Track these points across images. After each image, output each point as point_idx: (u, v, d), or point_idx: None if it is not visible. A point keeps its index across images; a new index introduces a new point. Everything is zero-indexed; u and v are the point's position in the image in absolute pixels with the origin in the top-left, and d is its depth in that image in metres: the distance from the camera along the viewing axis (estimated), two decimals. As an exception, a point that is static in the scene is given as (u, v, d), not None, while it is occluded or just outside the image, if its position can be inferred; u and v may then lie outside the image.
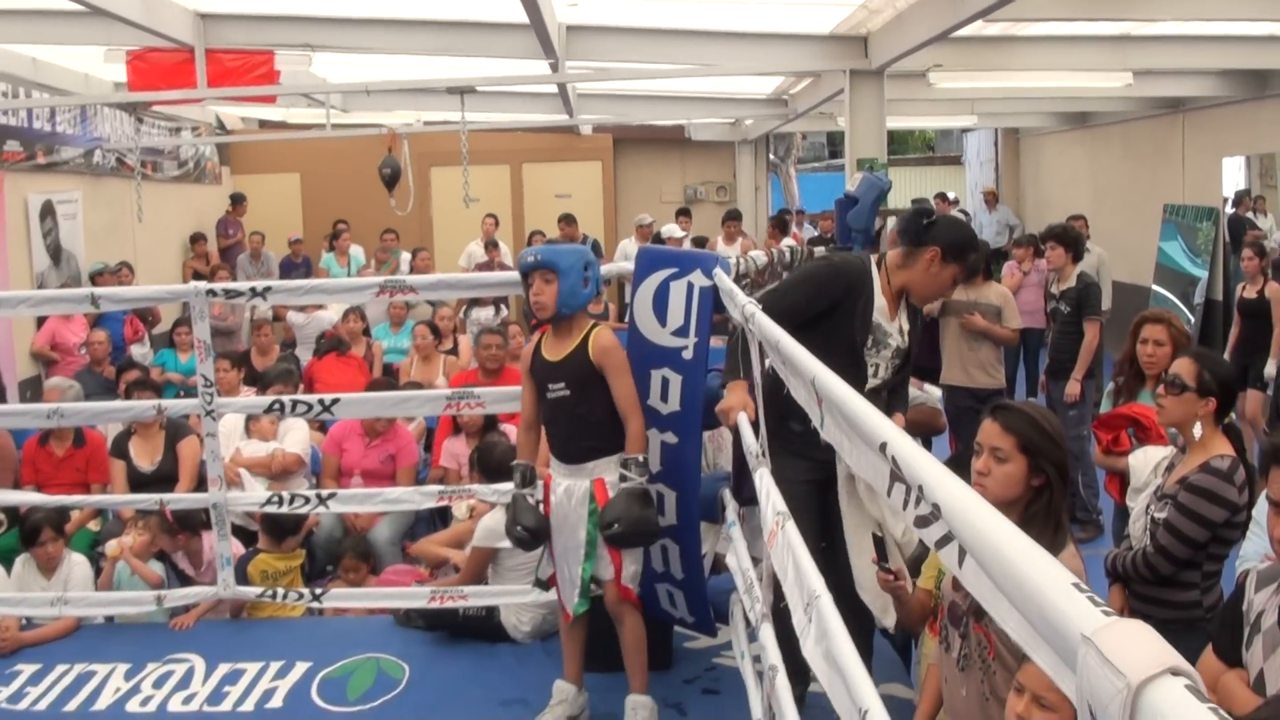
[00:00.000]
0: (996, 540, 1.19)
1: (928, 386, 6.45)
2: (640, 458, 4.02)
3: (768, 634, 3.18)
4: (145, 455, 6.78)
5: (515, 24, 8.51)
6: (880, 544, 3.43)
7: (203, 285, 5.04)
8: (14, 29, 9.06)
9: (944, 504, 1.35)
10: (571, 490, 4.10)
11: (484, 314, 11.27)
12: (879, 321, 4.04)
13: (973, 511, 1.29)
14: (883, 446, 1.63)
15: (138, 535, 5.68)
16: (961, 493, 1.34)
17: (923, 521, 1.48)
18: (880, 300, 4.05)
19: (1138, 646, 0.90)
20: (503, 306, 11.63)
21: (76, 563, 5.61)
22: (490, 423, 6.58)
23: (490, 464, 5.37)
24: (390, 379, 8.52)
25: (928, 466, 1.46)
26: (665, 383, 4.23)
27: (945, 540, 1.39)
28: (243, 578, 5.47)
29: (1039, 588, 1.07)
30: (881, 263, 4.11)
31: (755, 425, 3.35)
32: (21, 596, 5.39)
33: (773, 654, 3.07)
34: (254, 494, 5.51)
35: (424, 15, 9.24)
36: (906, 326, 4.14)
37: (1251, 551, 3.48)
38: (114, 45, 9.54)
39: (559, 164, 17.32)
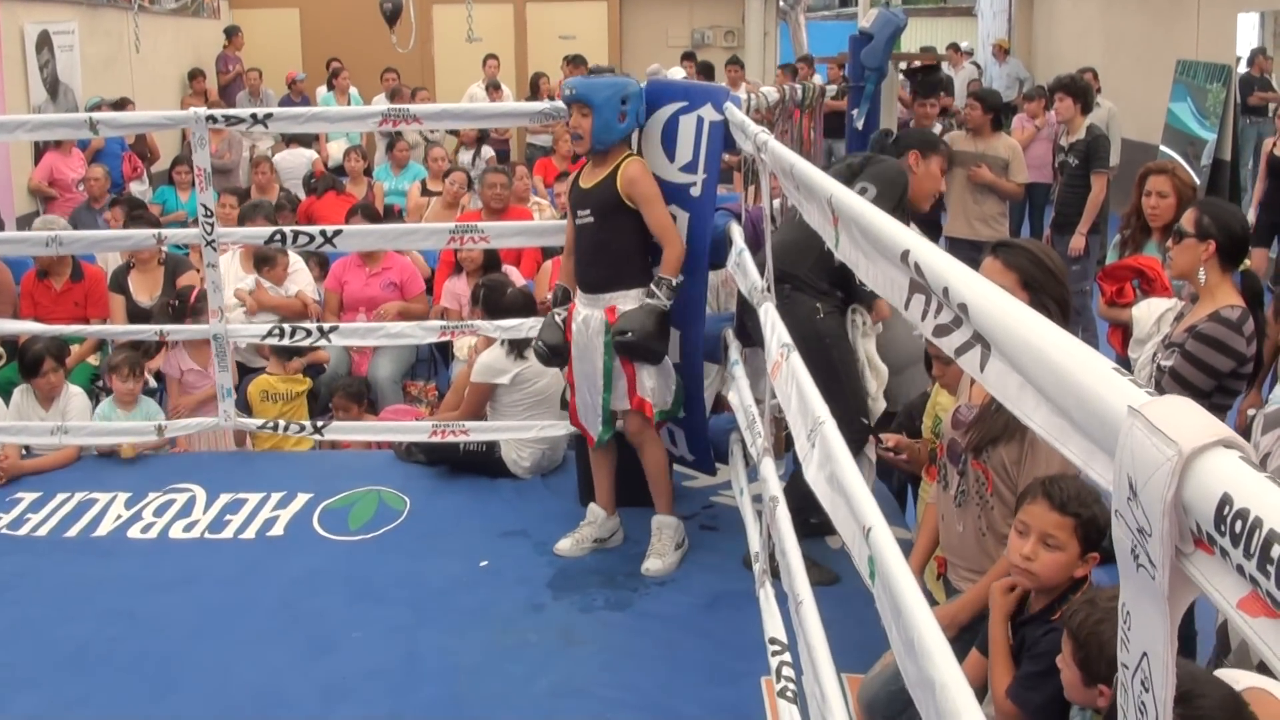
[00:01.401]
0: (1030, 331, 1.16)
1: None
2: (674, 281, 4.02)
3: (768, 468, 3.19)
4: (145, 289, 6.74)
5: None
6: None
7: (203, 111, 4.97)
8: None
9: (971, 302, 1.32)
10: (589, 319, 4.12)
11: (465, 157, 11.13)
12: None
13: (1003, 307, 1.26)
14: (905, 254, 1.59)
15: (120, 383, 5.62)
16: (990, 290, 1.31)
17: (943, 330, 1.45)
18: None
19: (1188, 418, 0.87)
20: (485, 148, 11.46)
21: (74, 394, 5.59)
22: (492, 262, 6.52)
23: (494, 302, 5.33)
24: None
25: (953, 268, 1.42)
26: (672, 219, 4.17)
27: (967, 346, 1.36)
28: (244, 398, 5.47)
29: (1079, 371, 1.04)
30: None
31: (760, 262, 3.32)
32: (21, 425, 5.38)
33: (773, 486, 3.09)
34: (255, 326, 5.47)
35: None
36: None
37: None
38: None
39: (563, 4, 16.92)
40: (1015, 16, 19.18)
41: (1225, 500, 0.81)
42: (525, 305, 5.17)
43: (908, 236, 1.64)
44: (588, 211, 4.13)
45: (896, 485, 4.80)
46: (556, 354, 4.24)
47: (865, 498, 1.84)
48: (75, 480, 5.20)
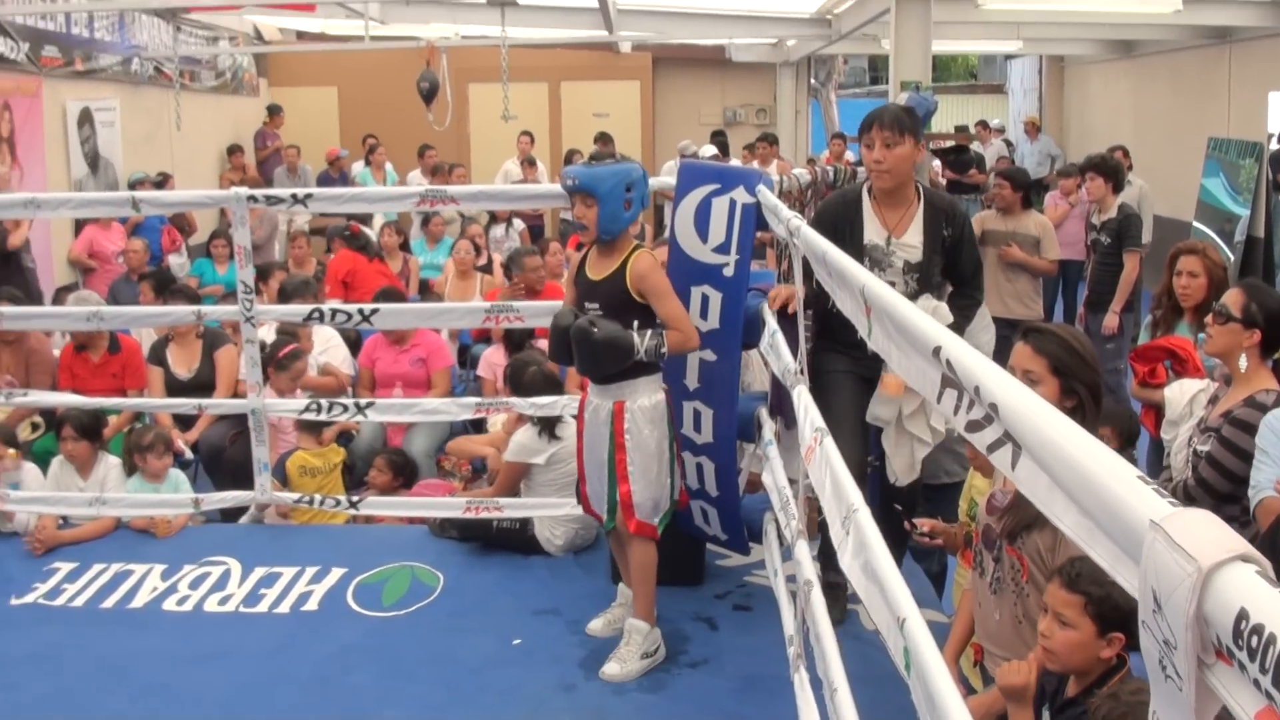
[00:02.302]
0: (1059, 435, 1.19)
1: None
2: (663, 347, 3.91)
3: (802, 551, 3.20)
4: (183, 362, 6.85)
5: (557, -63, 8.44)
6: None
7: (244, 191, 5.06)
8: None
9: (1002, 402, 1.35)
10: (599, 409, 4.08)
11: (498, 230, 11.28)
12: (874, 242, 4.12)
13: (1033, 408, 1.28)
14: (936, 350, 1.62)
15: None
16: (1020, 391, 1.34)
17: (975, 426, 1.48)
18: (872, 220, 4.15)
19: (1207, 532, 0.90)
20: (516, 221, 11.61)
21: (112, 465, 5.67)
22: (520, 339, 6.60)
23: (520, 381, 5.39)
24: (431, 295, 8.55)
25: (984, 367, 1.45)
26: (705, 300, 4.21)
27: (998, 444, 1.39)
28: (282, 475, 5.52)
29: (1104, 478, 1.07)
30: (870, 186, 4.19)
31: (793, 344, 3.35)
32: (60, 496, 5.47)
33: (807, 569, 3.09)
34: (292, 401, 5.54)
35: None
36: (920, 240, 4.13)
37: (1264, 480, 3.46)
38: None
39: (597, 82, 17.18)
40: (1046, 94, 19.33)
41: (1242, 615, 0.84)
42: (547, 383, 5.21)
43: (940, 332, 1.67)
44: (596, 305, 4.05)
45: (937, 567, 4.79)
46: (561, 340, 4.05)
47: (900, 587, 1.85)
48: (112, 551, 5.25)
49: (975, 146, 15.13)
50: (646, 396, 4.01)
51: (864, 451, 4.12)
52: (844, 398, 4.10)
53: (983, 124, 17.16)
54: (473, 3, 11.17)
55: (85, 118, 11.24)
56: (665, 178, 4.86)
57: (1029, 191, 7.86)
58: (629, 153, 14.31)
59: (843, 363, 4.12)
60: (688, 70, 17.70)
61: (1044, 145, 17.05)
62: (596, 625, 4.36)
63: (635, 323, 3.92)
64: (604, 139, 13.89)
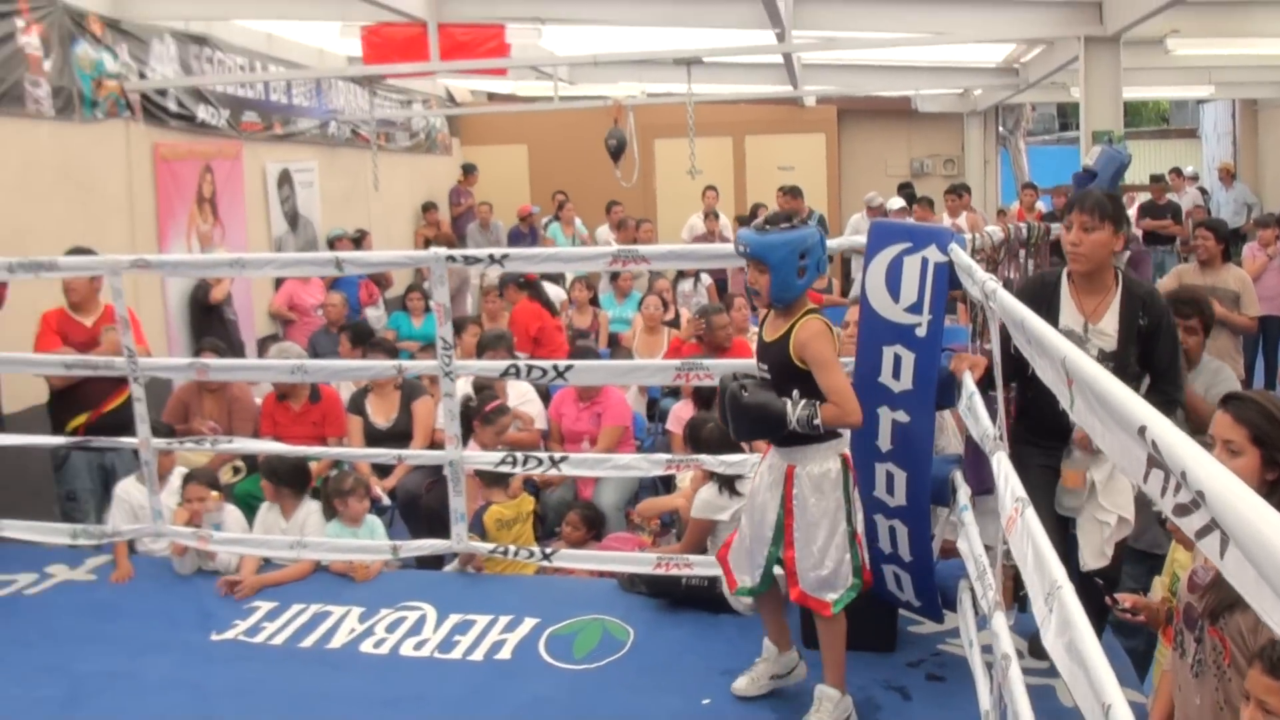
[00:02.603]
0: (1270, 530, 1.17)
1: None
2: (816, 419, 3.83)
3: (1000, 622, 3.14)
4: (381, 412, 7.12)
5: (742, -8, 8.57)
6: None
7: (442, 251, 5.21)
8: (253, 6, 9.49)
9: (1209, 492, 1.33)
10: (773, 469, 4.07)
11: (685, 285, 11.38)
12: (1069, 327, 4.04)
13: (1241, 499, 1.27)
14: (1141, 430, 1.61)
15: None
16: (1228, 480, 1.32)
17: (1182, 510, 1.46)
18: (1069, 305, 4.09)
19: None
20: (703, 276, 11.69)
21: (312, 509, 5.93)
22: (710, 395, 6.65)
23: (699, 437, 5.44)
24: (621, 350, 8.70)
25: (1191, 452, 1.43)
26: (897, 360, 4.17)
27: (1206, 530, 1.37)
28: (479, 527, 5.68)
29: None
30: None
31: (991, 408, 3.31)
32: (262, 538, 5.77)
33: (1005, 642, 3.03)
34: (488, 453, 5.70)
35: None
36: (1115, 328, 4.05)
37: None
38: (349, 21, 9.93)
39: (782, 136, 17.24)
40: (1240, 138, 18.62)
41: None
42: (725, 439, 5.21)
43: (1145, 410, 1.66)
44: (766, 367, 4.06)
45: (1143, 646, 4.61)
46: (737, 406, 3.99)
47: (1105, 672, 1.82)
48: (311, 592, 5.47)
49: (1170, 195, 14.68)
50: (817, 464, 3.97)
51: (1062, 545, 4.01)
52: (1037, 494, 4.01)
53: (1176, 171, 16.63)
54: (659, 61, 11.36)
55: (285, 178, 11.85)
56: (855, 237, 4.85)
57: (1227, 243, 7.59)
58: (816, 206, 14.36)
59: (1036, 456, 4.05)
60: (873, 122, 17.62)
61: (1239, 193, 16.42)
62: (741, 684, 4.32)
63: (795, 390, 3.90)
64: (793, 192, 13.90)
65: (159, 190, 9.42)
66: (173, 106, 9.66)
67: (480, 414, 6.37)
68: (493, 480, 5.91)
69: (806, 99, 16.21)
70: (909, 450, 4.19)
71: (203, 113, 10.16)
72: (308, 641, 5.00)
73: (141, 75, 9.24)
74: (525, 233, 14.48)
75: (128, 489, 6.07)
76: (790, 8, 9.17)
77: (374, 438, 7.01)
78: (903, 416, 4.19)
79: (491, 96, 17.50)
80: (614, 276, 10.73)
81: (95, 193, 8.63)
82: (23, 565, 5.96)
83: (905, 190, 14.45)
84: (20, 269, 5.67)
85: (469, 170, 16.18)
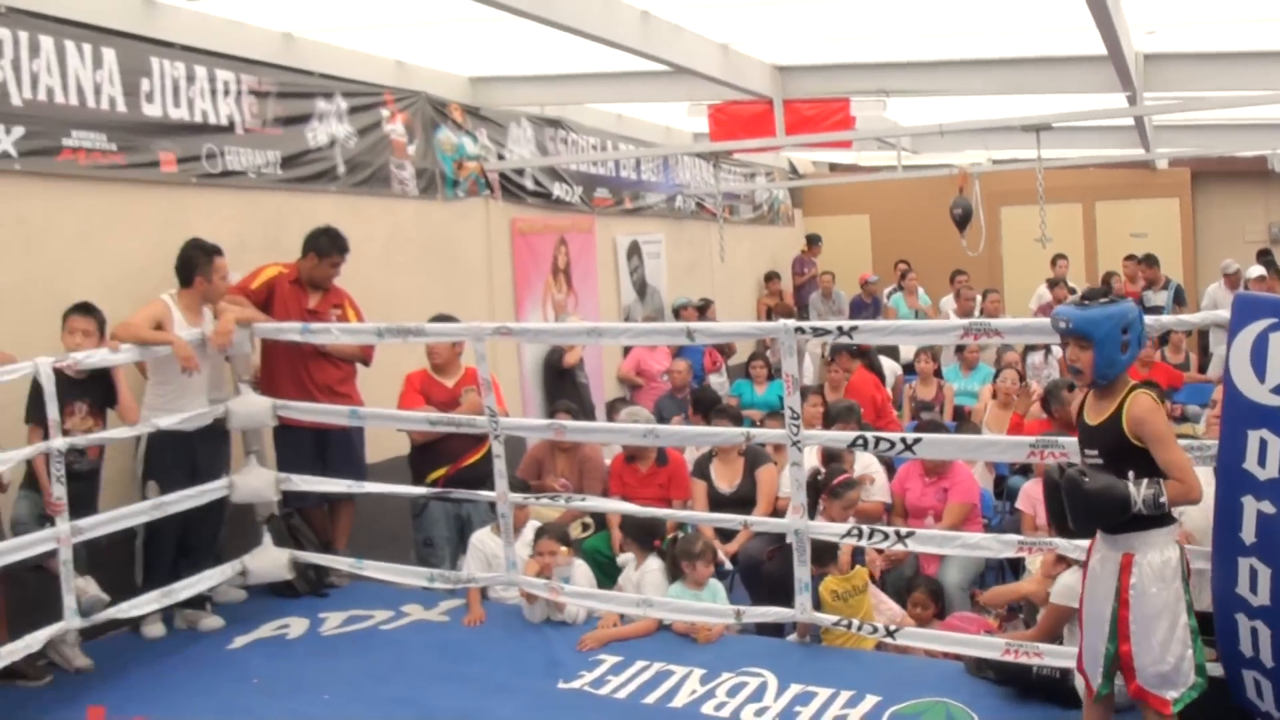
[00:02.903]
0: None
1: None
2: (1162, 498, 3.69)
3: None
4: (725, 477, 7.21)
5: (1090, 57, 8.32)
6: None
7: (791, 323, 5.26)
8: (604, 90, 9.97)
9: None
10: (1106, 559, 3.89)
11: (1035, 357, 10.98)
12: None
13: None
14: None
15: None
16: None
17: None
18: None
19: None
20: (1054, 349, 11.25)
21: (651, 568, 6.10)
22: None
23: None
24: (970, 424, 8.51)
25: None
26: (1263, 445, 3.87)
27: None
28: (815, 597, 5.66)
29: None
30: None
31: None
32: (610, 594, 5.97)
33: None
34: (834, 525, 5.67)
35: (997, 54, 9.17)
36: None
37: None
38: (696, 100, 10.25)
39: (1133, 201, 16.52)
40: None
41: None
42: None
43: None
44: (1096, 452, 3.90)
45: None
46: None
47: None
48: (655, 650, 5.58)
49: None
50: (1158, 551, 3.78)
51: None
52: None
53: None
54: (1006, 128, 11.12)
55: (634, 250, 12.41)
56: (1217, 312, 4.57)
57: None
58: (1169, 274, 13.66)
59: None
60: (1229, 184, 16.60)
61: None
62: None
63: (1131, 472, 3.74)
64: (1148, 261, 13.30)
65: (516, 262, 10.04)
66: (529, 184, 10.33)
67: (828, 488, 6.35)
68: (823, 552, 5.88)
69: (1158, 161, 15.47)
70: (1275, 544, 3.88)
71: (558, 189, 10.79)
72: (651, 698, 5.10)
73: (500, 156, 9.92)
74: (867, 302, 14.43)
75: (482, 538, 6.41)
76: (1141, 69, 8.83)
77: (717, 502, 7.11)
78: (1269, 508, 3.89)
79: (834, 167, 17.60)
80: (960, 348, 10.52)
81: (457, 264, 9.28)
82: (381, 603, 6.38)
83: (1264, 257, 13.49)
84: (389, 334, 6.14)
85: (813, 241, 16.31)
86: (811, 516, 5.58)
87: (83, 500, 5.58)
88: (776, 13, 7.67)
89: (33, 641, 5.22)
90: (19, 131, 5.87)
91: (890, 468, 7.34)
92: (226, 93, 7.11)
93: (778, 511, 6.78)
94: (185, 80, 6.82)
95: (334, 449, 6.76)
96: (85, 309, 5.79)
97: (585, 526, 7.32)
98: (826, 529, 5.51)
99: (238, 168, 7.16)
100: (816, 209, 17.62)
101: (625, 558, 6.71)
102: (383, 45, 8.38)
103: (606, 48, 7.39)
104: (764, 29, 8.23)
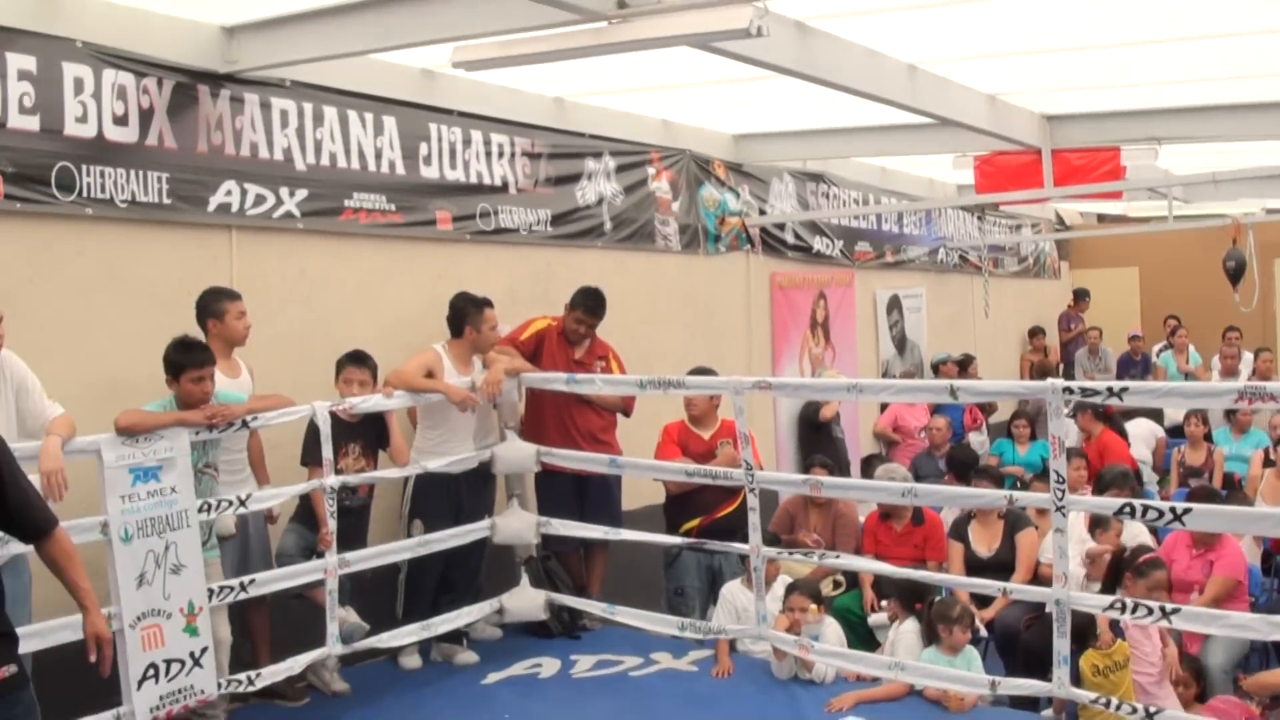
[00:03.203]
0: None
1: None
2: None
3: None
4: (984, 541, 7.03)
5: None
6: None
7: (1059, 383, 5.13)
8: (867, 144, 9.94)
9: None
10: None
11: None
12: None
13: None
14: None
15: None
16: None
17: None
18: None
19: None
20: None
21: (907, 629, 6.03)
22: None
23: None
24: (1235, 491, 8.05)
25: None
26: None
27: None
28: (1074, 671, 5.46)
29: None
30: None
31: None
32: (862, 654, 5.91)
33: None
34: (1099, 596, 5.45)
35: (1274, 97, 8.70)
36: None
37: None
38: (961, 151, 10.13)
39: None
40: None
41: None
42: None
43: None
44: None
45: None
46: None
47: None
48: (903, 716, 5.53)
49: None
50: None
51: None
52: None
53: None
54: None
55: (894, 304, 12.35)
56: None
57: None
58: None
59: None
60: None
61: None
62: None
63: None
64: None
65: (774, 315, 10.15)
66: (790, 238, 10.48)
67: (1134, 566, 6.08)
68: (1085, 626, 5.65)
69: None
70: None
71: (818, 243, 10.89)
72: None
73: (761, 211, 10.10)
74: (1136, 360, 13.87)
75: (734, 590, 6.47)
76: None
77: (974, 566, 6.91)
78: None
79: (1101, 218, 17.05)
80: (1231, 411, 9.97)
81: (716, 318, 9.47)
82: (631, 649, 6.50)
83: None
84: (651, 385, 6.27)
85: (1081, 296, 15.84)
86: (1112, 592, 5.34)
87: (352, 535, 5.94)
88: (1046, 62, 7.52)
89: (295, 664, 5.59)
90: (302, 194, 6.39)
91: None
92: (501, 155, 7.50)
93: (1037, 578, 6.59)
94: (461, 144, 7.24)
95: (593, 495, 6.96)
96: (359, 359, 6.19)
97: (837, 584, 7.26)
98: (1089, 600, 5.31)
99: (510, 225, 7.53)
100: (1083, 261, 17.08)
101: (876, 618, 6.65)
102: (649, 106, 8.63)
103: (870, 101, 7.40)
104: (1032, 79, 8.08)
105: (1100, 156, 9.81)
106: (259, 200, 6.19)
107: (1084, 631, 5.56)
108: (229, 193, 6.05)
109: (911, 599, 6.16)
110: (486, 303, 6.55)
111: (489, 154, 7.44)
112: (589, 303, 6.99)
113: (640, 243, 8.67)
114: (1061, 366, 14.71)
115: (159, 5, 5.71)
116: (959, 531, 7.16)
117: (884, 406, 11.03)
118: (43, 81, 5.28)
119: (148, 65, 5.70)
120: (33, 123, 5.25)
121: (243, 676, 5.36)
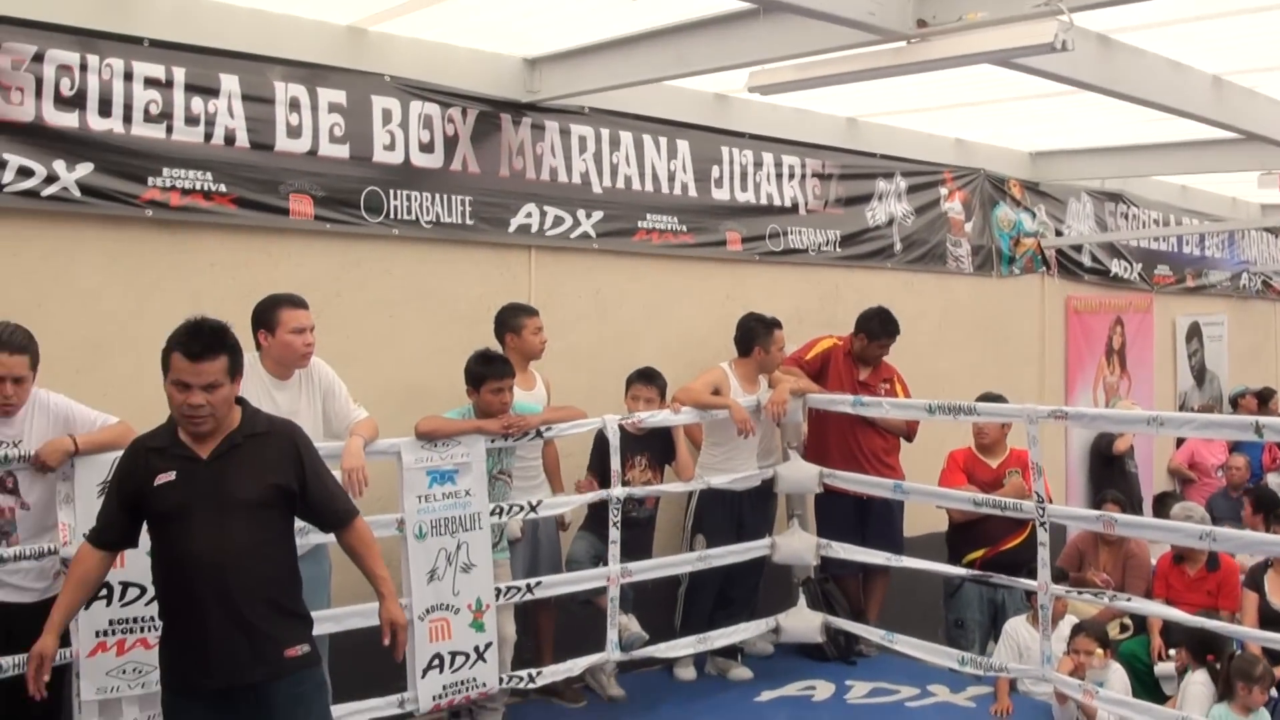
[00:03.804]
0: None
1: None
2: None
3: None
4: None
5: None
6: None
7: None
8: (1168, 161, 9.49)
9: None
10: None
11: None
12: None
13: None
14: None
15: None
16: None
17: None
18: None
19: None
20: None
21: (1196, 680, 5.76)
22: None
23: None
24: None
25: None
26: None
27: None
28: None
29: None
30: None
31: None
32: (1149, 706, 5.57)
33: None
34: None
35: None
36: None
37: None
38: (1267, 169, 9.55)
39: None
40: None
41: None
42: None
43: None
44: None
45: None
46: None
47: None
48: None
49: None
50: None
51: None
52: None
53: None
54: None
55: (1194, 332, 11.78)
56: None
57: None
58: None
59: None
60: None
61: None
62: None
63: None
64: None
65: (1069, 341, 9.87)
66: (1086, 261, 10.15)
67: None
68: None
69: None
70: None
71: (1116, 266, 10.52)
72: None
73: (1058, 232, 9.82)
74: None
75: (1016, 627, 6.30)
76: None
77: (1270, 619, 6.49)
78: None
79: None
80: None
81: (1009, 342, 9.27)
82: (908, 679, 6.42)
83: None
84: (940, 411, 6.13)
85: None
86: None
87: (637, 545, 6.11)
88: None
89: (574, 666, 5.80)
90: (599, 215, 6.68)
91: None
92: (791, 176, 7.58)
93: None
94: (753, 166, 7.37)
95: (874, 520, 6.91)
96: (649, 377, 6.37)
97: (1124, 628, 6.99)
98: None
99: (799, 246, 7.60)
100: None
101: (1163, 667, 6.35)
102: (942, 125, 8.54)
103: (1172, 116, 7.11)
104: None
105: None
106: (557, 221, 6.51)
107: None
108: (529, 214, 6.39)
109: (1203, 650, 5.87)
110: (776, 324, 6.61)
111: (779, 175, 7.53)
112: (889, 326, 6.95)
113: (931, 264, 8.60)
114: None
115: (464, 40, 6.08)
116: (1255, 580, 6.74)
117: (1179, 441, 10.53)
118: (352, 113, 5.72)
119: (453, 96, 6.10)
120: (342, 150, 5.70)
121: (524, 674, 5.59)
